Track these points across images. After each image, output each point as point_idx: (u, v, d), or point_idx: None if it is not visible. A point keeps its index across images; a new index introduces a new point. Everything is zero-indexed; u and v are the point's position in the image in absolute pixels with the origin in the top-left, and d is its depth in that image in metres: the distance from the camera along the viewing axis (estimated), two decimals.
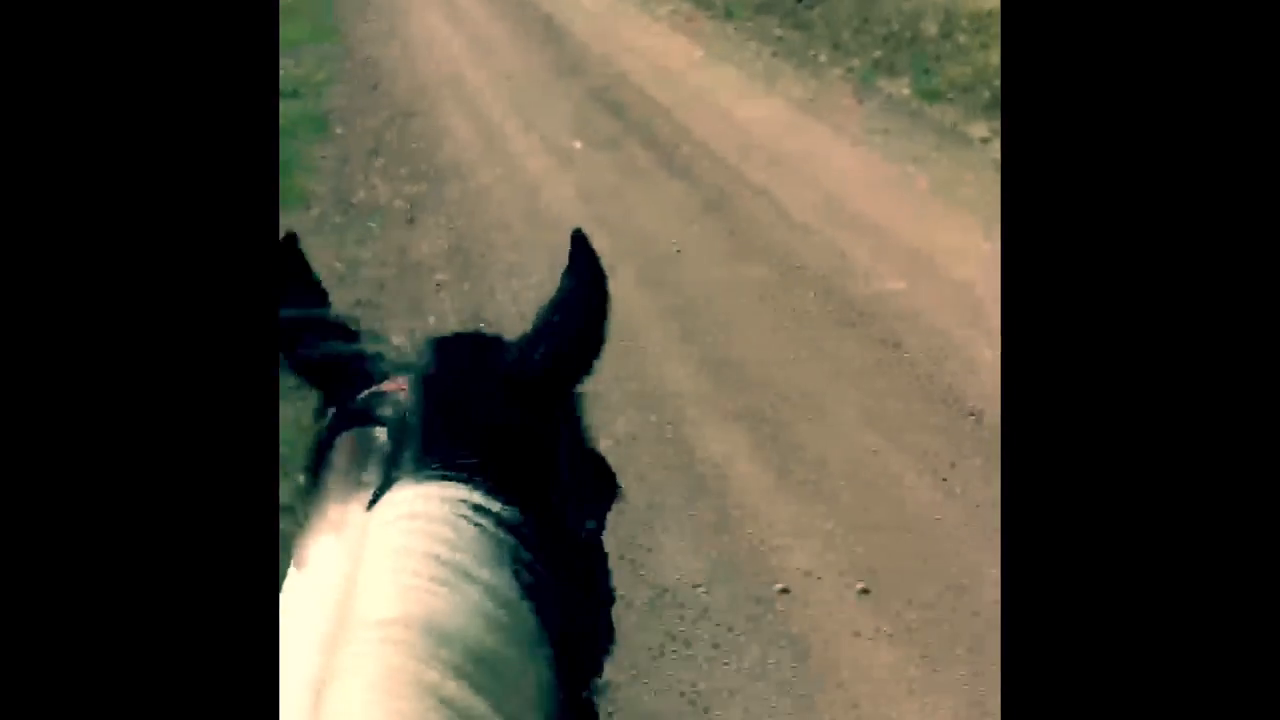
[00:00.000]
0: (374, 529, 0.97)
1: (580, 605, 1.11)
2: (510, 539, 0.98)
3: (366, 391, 1.09)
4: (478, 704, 0.89)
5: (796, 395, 4.54)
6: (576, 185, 6.84)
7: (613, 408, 4.48)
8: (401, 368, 1.11)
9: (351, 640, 0.90)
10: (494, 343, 1.18)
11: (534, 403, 1.11)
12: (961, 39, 9.36)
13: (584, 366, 1.16)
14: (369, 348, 1.15)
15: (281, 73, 9.26)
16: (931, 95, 8.38)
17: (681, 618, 3.44)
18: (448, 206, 6.66)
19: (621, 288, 5.53)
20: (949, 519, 3.79)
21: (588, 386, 1.18)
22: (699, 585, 3.56)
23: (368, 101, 8.90)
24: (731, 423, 4.38)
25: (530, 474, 1.07)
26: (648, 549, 3.72)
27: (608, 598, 1.20)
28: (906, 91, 8.58)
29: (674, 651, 3.33)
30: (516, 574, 0.98)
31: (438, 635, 0.90)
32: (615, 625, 1.21)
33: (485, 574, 0.95)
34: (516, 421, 1.08)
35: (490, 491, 1.00)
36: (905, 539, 3.71)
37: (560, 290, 1.20)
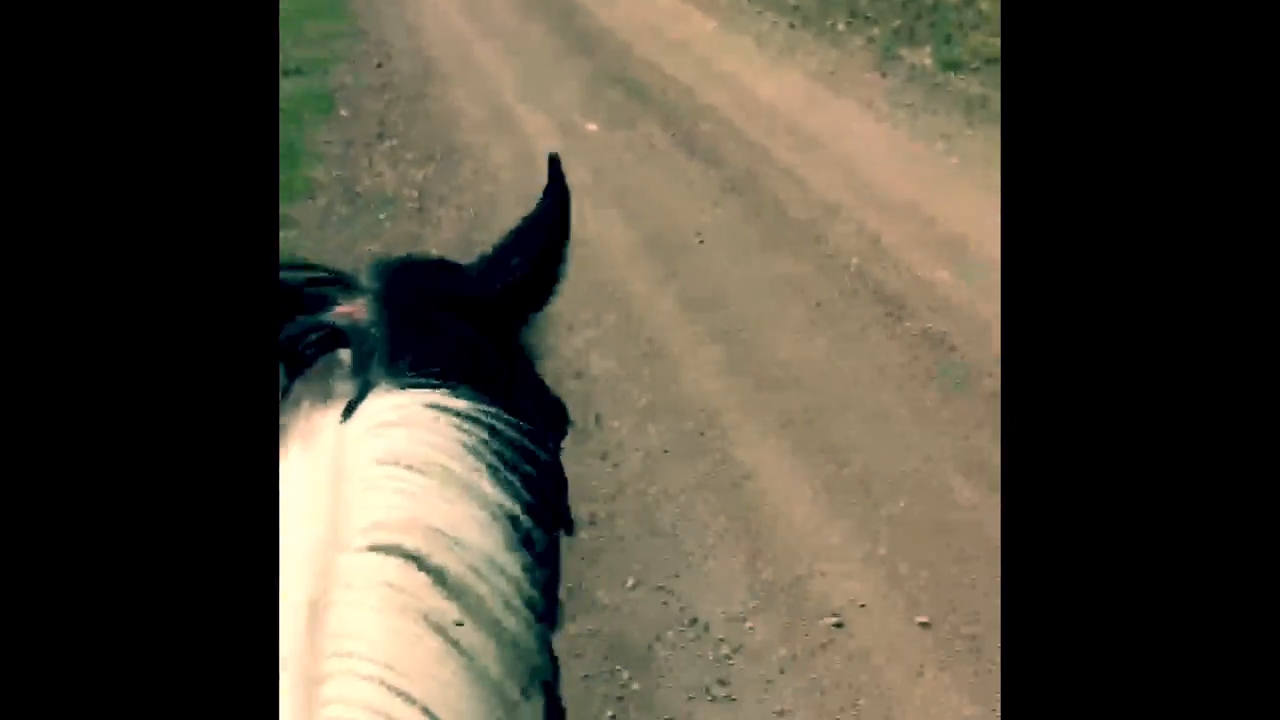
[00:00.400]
0: (352, 437, 0.95)
1: (547, 530, 1.07)
2: (490, 454, 0.96)
3: (321, 316, 1.05)
4: (477, 637, 0.88)
5: (838, 398, 4.25)
6: (592, 169, 6.53)
7: (640, 414, 4.20)
8: (354, 292, 1.08)
9: (345, 548, 0.89)
10: (450, 267, 1.17)
11: (493, 327, 1.11)
12: (983, 5, 9.02)
13: (542, 295, 1.15)
14: (315, 273, 1.11)
15: (282, 51, 8.95)
16: (955, 65, 8.05)
17: (721, 655, 3.17)
18: (458, 195, 6.36)
19: (644, 281, 5.27)
20: None
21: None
22: (740, 618, 3.29)
23: (373, 79, 8.59)
24: (769, 431, 4.09)
25: (496, 393, 1.04)
26: (680, 575, 3.45)
27: (569, 525, 1.16)
28: (929, 62, 8.25)
29: (713, 694, 3.06)
30: (502, 487, 0.96)
31: (436, 541, 0.89)
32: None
33: (479, 484, 0.94)
34: (479, 342, 1.08)
35: (470, 399, 0.98)
36: (966, 561, 3.43)
37: (526, 216, 1.18)
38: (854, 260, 5.31)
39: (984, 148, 6.50)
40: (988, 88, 7.46)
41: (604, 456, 3.96)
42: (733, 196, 6.14)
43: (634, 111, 7.59)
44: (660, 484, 3.83)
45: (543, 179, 1.19)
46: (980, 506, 3.65)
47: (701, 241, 5.61)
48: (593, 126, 7.34)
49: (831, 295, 5.02)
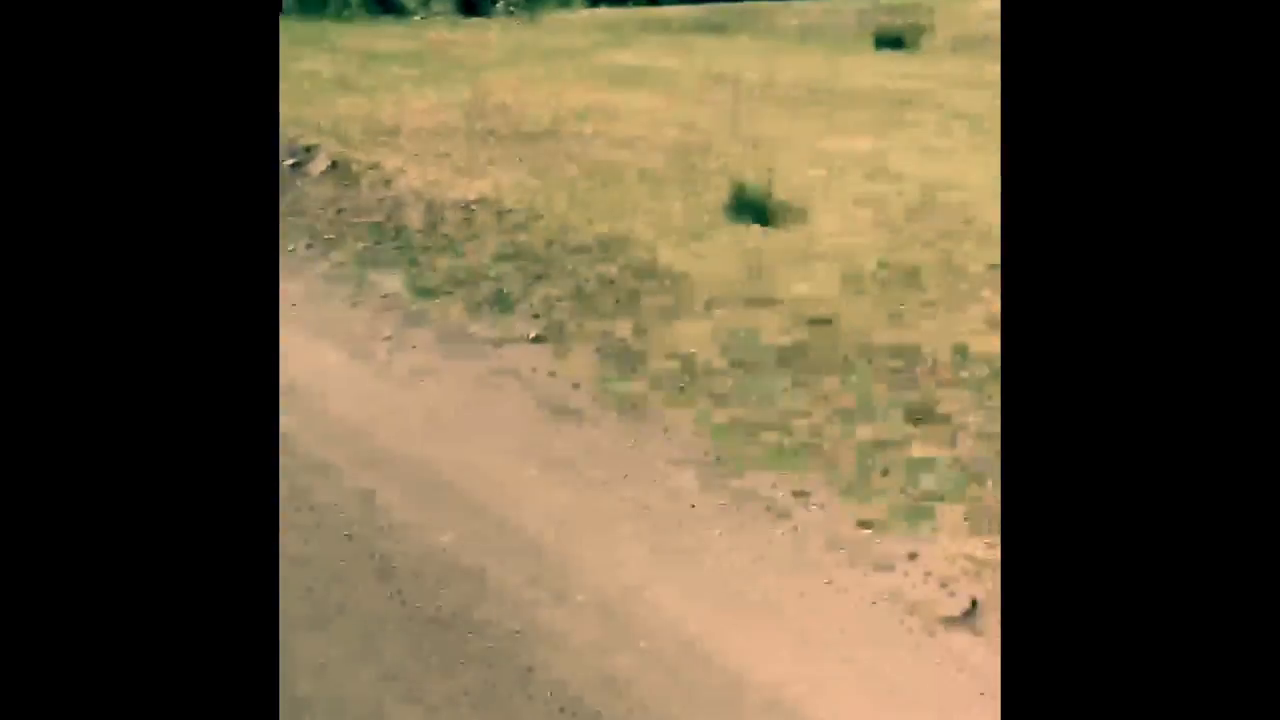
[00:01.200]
0: None
1: None
2: None
3: None
4: None
5: None
6: None
7: None
8: None
9: None
10: None
11: None
12: (447, 230, 8.97)
13: None
14: None
15: None
16: (428, 292, 7.82)
17: None
18: None
19: None
20: None
21: None
22: None
23: None
24: None
25: None
26: None
27: None
28: (400, 288, 7.96)
29: None
30: None
31: None
32: None
33: None
34: None
35: None
36: None
37: None
38: (353, 532, 4.73)
39: (459, 381, 6.24)
40: (463, 315, 7.26)
41: None
42: None
43: None
44: None
45: None
46: None
47: None
48: None
49: (374, 608, 4.38)
